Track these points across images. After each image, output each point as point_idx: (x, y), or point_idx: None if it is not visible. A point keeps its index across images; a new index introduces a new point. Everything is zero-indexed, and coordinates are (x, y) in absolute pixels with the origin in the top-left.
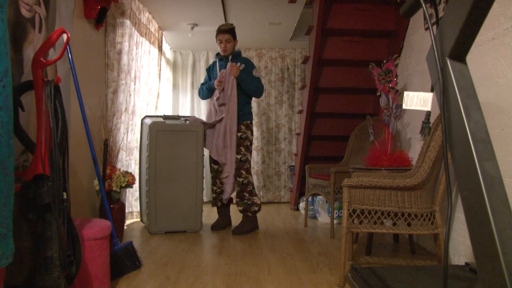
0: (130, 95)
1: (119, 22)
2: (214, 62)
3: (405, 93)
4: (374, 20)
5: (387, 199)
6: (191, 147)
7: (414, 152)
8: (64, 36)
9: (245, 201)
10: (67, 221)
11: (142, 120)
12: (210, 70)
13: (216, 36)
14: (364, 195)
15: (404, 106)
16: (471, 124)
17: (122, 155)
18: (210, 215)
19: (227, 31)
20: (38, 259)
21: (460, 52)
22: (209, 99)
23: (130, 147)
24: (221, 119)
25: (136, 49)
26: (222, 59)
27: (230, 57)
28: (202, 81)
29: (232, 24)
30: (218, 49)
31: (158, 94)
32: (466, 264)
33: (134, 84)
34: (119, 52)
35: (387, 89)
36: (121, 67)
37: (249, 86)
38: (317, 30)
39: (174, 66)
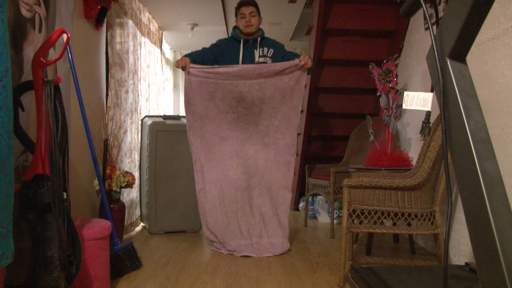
0: (139, 95)
1: (122, 22)
2: (231, 41)
3: (405, 93)
4: (374, 20)
5: (387, 199)
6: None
7: (414, 152)
8: (64, 36)
9: None
10: (67, 221)
11: (142, 120)
12: (220, 44)
13: (237, 10)
14: (364, 195)
15: (404, 106)
16: (471, 124)
17: (135, 155)
18: None
19: (251, 3)
20: (38, 259)
21: (460, 52)
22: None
23: (139, 147)
24: None
25: (140, 49)
26: (248, 40)
27: (258, 39)
28: None
29: None
30: (240, 26)
31: (160, 93)
32: (466, 264)
33: (140, 83)
34: (127, 52)
35: (387, 89)
36: (129, 67)
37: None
38: (317, 30)
39: (174, 66)
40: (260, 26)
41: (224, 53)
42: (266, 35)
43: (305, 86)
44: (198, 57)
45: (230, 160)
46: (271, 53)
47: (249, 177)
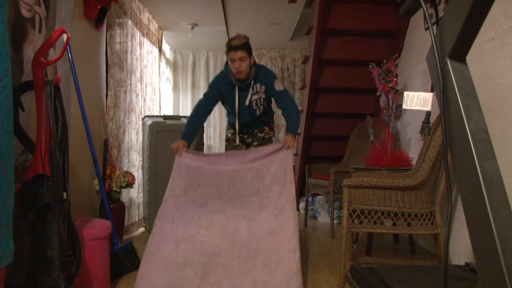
0: (137, 95)
1: (122, 22)
2: (226, 84)
3: (405, 93)
4: (374, 20)
5: (387, 199)
6: (190, 147)
7: (414, 152)
8: (64, 36)
9: None
10: (67, 221)
11: (142, 120)
12: (218, 89)
13: (227, 53)
14: (364, 195)
15: (404, 106)
16: (471, 124)
17: (134, 156)
18: None
19: (240, 47)
20: (38, 259)
21: (460, 52)
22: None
23: (141, 147)
24: None
25: (139, 49)
26: (241, 87)
27: (252, 82)
28: (202, 82)
29: (245, 37)
30: (231, 68)
31: (160, 93)
32: (466, 264)
33: (139, 83)
34: (126, 52)
35: (387, 89)
36: (128, 67)
37: (293, 117)
38: (317, 30)
39: (174, 66)
40: (260, 26)
41: (224, 97)
42: (266, 35)
43: (305, 86)
44: (201, 113)
45: (198, 221)
46: (263, 89)
47: (225, 244)
